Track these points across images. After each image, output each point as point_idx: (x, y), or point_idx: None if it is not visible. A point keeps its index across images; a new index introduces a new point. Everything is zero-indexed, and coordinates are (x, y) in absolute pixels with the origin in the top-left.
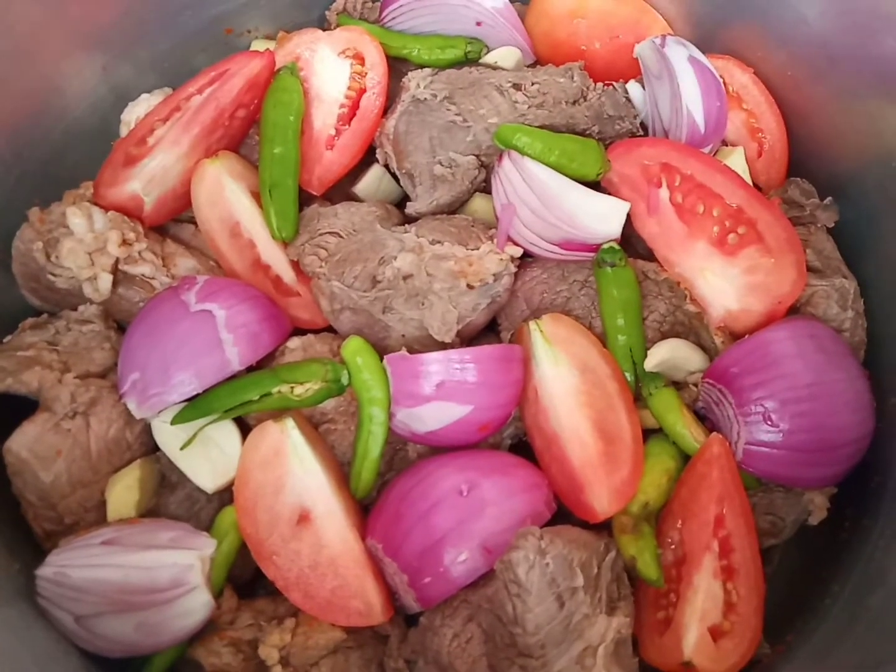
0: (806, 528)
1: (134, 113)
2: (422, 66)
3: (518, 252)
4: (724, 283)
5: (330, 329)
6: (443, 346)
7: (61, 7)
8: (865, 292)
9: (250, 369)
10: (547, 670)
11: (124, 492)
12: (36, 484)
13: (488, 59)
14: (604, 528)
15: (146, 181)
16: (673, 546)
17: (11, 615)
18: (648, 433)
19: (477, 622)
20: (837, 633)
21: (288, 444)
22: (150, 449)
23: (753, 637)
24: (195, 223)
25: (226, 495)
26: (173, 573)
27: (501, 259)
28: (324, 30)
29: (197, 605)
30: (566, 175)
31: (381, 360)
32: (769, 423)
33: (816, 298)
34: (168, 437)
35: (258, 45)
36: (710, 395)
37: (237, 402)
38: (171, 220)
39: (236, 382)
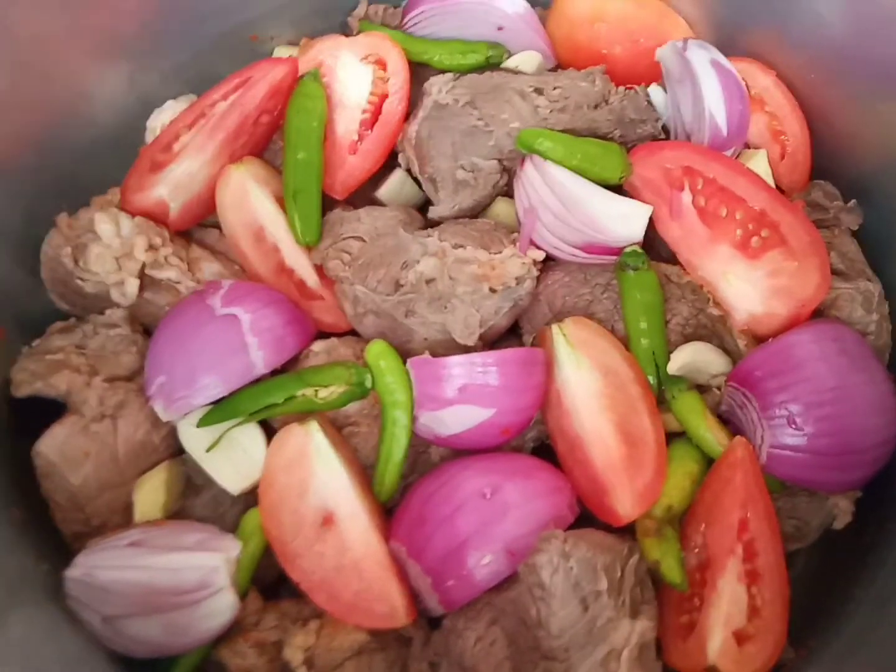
0: (830, 533)
1: (159, 120)
2: (443, 72)
3: (540, 256)
4: (747, 287)
5: (353, 332)
6: (465, 349)
7: (88, 18)
8: (891, 295)
9: (275, 373)
10: None
11: (151, 494)
12: (64, 486)
13: (509, 63)
14: (627, 531)
15: (172, 187)
16: (696, 550)
17: (40, 616)
18: (671, 437)
19: (500, 625)
20: (859, 638)
21: (312, 446)
22: (176, 451)
23: (778, 641)
24: (220, 228)
25: (251, 497)
26: (200, 575)
27: (524, 263)
28: (346, 36)
29: (223, 606)
30: (588, 179)
31: (405, 363)
32: (793, 426)
33: (841, 301)
34: (194, 439)
35: (281, 52)
36: (734, 399)
37: (262, 405)
38: (196, 225)
39: (261, 386)
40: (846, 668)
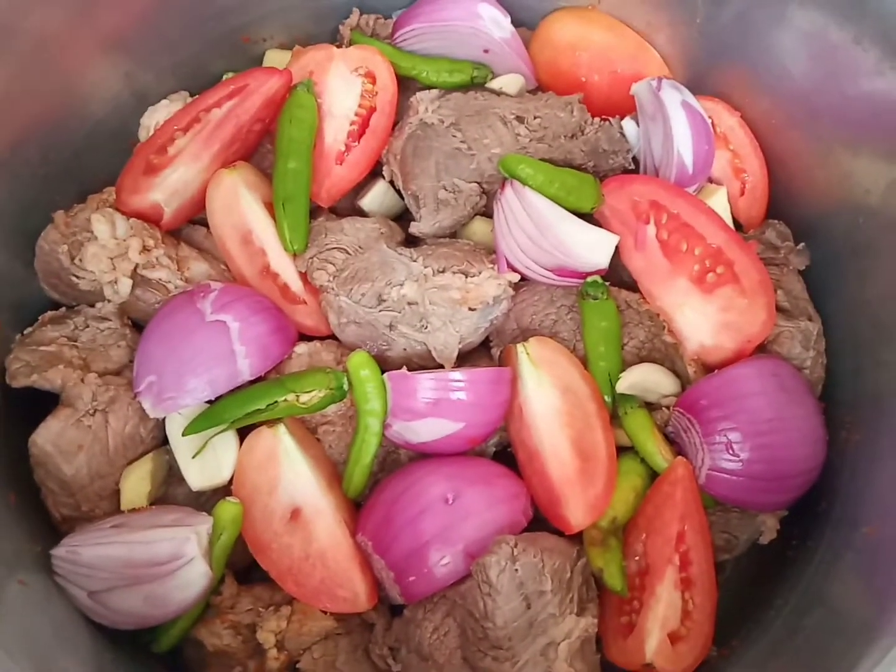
0: (756, 546)
1: (154, 118)
2: (430, 87)
3: (516, 278)
4: (700, 319)
5: (333, 337)
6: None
7: (88, 16)
8: (827, 331)
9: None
10: (515, 660)
11: (137, 483)
12: (58, 475)
13: (494, 84)
14: (575, 536)
15: (168, 193)
16: (637, 558)
17: (34, 591)
18: (620, 451)
19: (453, 617)
20: (778, 643)
21: (280, 448)
22: (160, 442)
23: (706, 642)
24: (207, 225)
25: (230, 490)
26: (172, 546)
27: (500, 284)
28: (337, 43)
29: (195, 576)
30: (563, 206)
31: (383, 373)
32: (731, 452)
33: (782, 338)
34: (178, 432)
35: (273, 56)
36: (680, 423)
37: (246, 411)
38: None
39: (246, 392)
40: (766, 668)
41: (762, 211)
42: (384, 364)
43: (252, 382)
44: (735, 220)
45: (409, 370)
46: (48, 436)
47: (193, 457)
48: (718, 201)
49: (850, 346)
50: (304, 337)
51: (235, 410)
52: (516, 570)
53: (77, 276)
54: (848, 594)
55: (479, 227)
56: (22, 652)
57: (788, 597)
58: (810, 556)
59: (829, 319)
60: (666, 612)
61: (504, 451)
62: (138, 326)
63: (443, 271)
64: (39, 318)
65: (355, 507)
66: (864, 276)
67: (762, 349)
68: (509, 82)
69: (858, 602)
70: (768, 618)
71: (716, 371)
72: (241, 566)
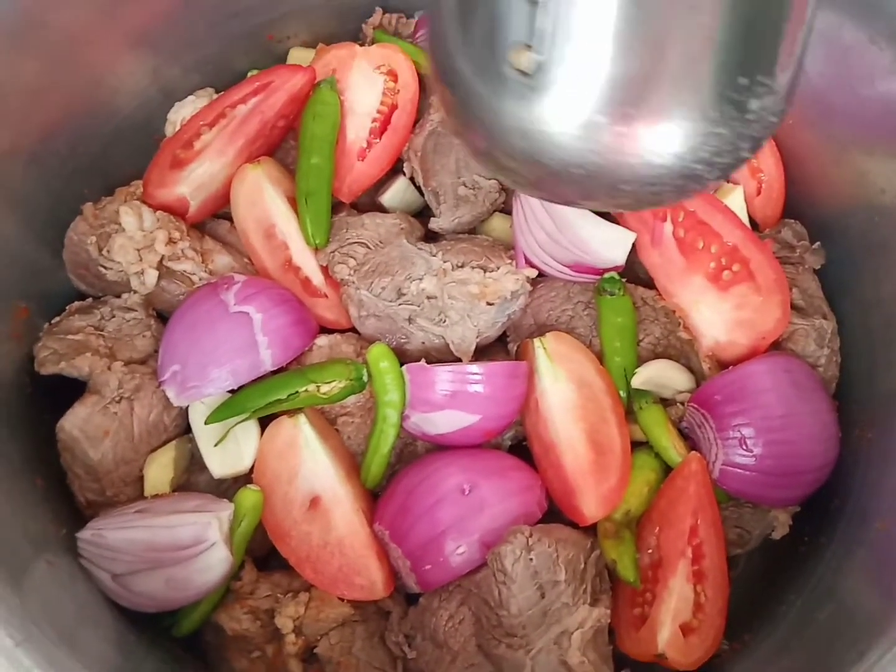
0: (768, 541)
1: (180, 114)
2: None
3: (533, 273)
4: (715, 316)
5: (353, 329)
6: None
7: (115, 13)
8: (841, 330)
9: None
10: (529, 648)
11: (160, 470)
12: (84, 460)
13: None
14: (589, 528)
15: (194, 187)
16: (650, 551)
17: (60, 572)
18: (634, 446)
19: (468, 605)
20: (789, 638)
21: (301, 437)
22: (183, 430)
23: (717, 634)
24: (230, 219)
25: (251, 478)
26: (194, 531)
27: (518, 279)
28: (360, 42)
29: (216, 560)
30: None
31: (401, 365)
32: (744, 447)
33: (797, 336)
34: (201, 421)
35: (296, 53)
36: (694, 418)
37: (268, 400)
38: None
39: (267, 382)
40: (777, 662)
41: (778, 210)
42: (403, 357)
43: (274, 373)
44: (751, 219)
45: (427, 363)
46: (75, 421)
47: (215, 445)
48: (735, 200)
49: (865, 344)
50: (325, 330)
51: (257, 400)
52: (531, 559)
53: (105, 267)
54: (858, 589)
55: (497, 223)
56: (48, 624)
57: (799, 593)
58: (822, 552)
59: (844, 318)
60: (678, 605)
61: (520, 444)
62: (163, 317)
63: (462, 266)
64: (67, 307)
65: (373, 497)
66: (879, 276)
67: (777, 347)
68: None
69: (868, 596)
70: (780, 613)
71: (730, 367)
72: (261, 553)
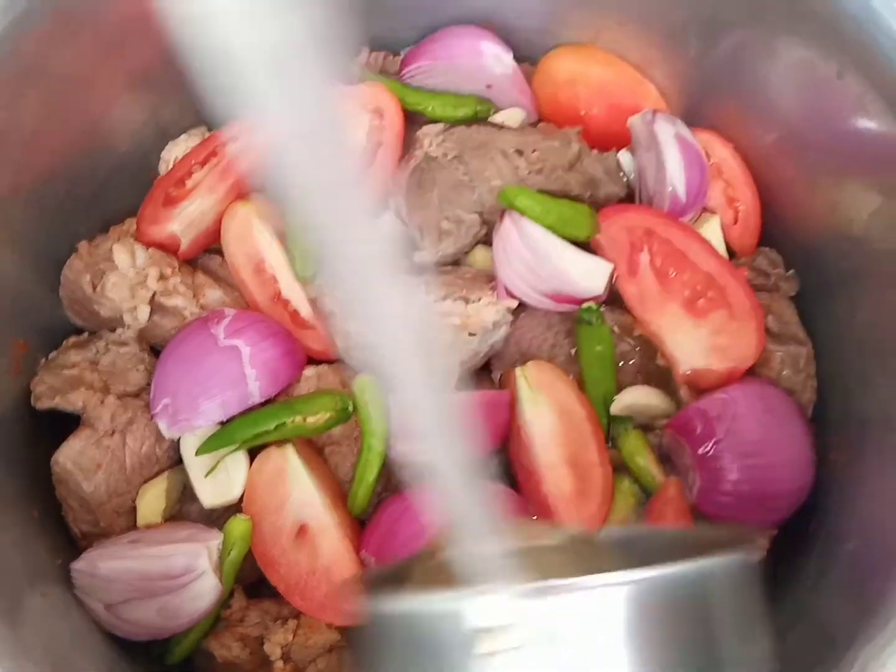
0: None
1: (173, 152)
2: (435, 121)
3: (514, 304)
4: (691, 343)
5: (341, 360)
6: None
7: (116, 53)
8: (819, 353)
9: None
10: None
11: (152, 501)
12: (78, 492)
13: (496, 118)
14: None
15: (185, 224)
16: None
17: (55, 603)
18: (615, 471)
19: None
20: None
21: (288, 467)
22: (175, 462)
23: None
24: (222, 254)
25: (241, 507)
26: (185, 560)
27: (499, 310)
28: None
29: (206, 588)
30: (559, 236)
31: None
32: (721, 473)
33: (772, 362)
34: (192, 453)
35: None
36: (672, 444)
37: (256, 432)
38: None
39: (256, 414)
40: None
41: (755, 239)
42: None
43: (263, 404)
44: (729, 248)
45: None
46: (69, 454)
47: (206, 475)
48: (712, 229)
49: (839, 369)
50: (313, 360)
51: (246, 431)
52: None
53: (98, 304)
54: (832, 607)
55: (480, 255)
56: (42, 656)
57: (776, 613)
58: (799, 574)
59: (821, 344)
60: None
61: (504, 472)
62: (156, 351)
63: (444, 298)
64: (63, 342)
65: (360, 525)
66: (853, 303)
67: (753, 372)
68: (511, 116)
69: (841, 615)
70: None
71: (706, 393)
72: (250, 581)
